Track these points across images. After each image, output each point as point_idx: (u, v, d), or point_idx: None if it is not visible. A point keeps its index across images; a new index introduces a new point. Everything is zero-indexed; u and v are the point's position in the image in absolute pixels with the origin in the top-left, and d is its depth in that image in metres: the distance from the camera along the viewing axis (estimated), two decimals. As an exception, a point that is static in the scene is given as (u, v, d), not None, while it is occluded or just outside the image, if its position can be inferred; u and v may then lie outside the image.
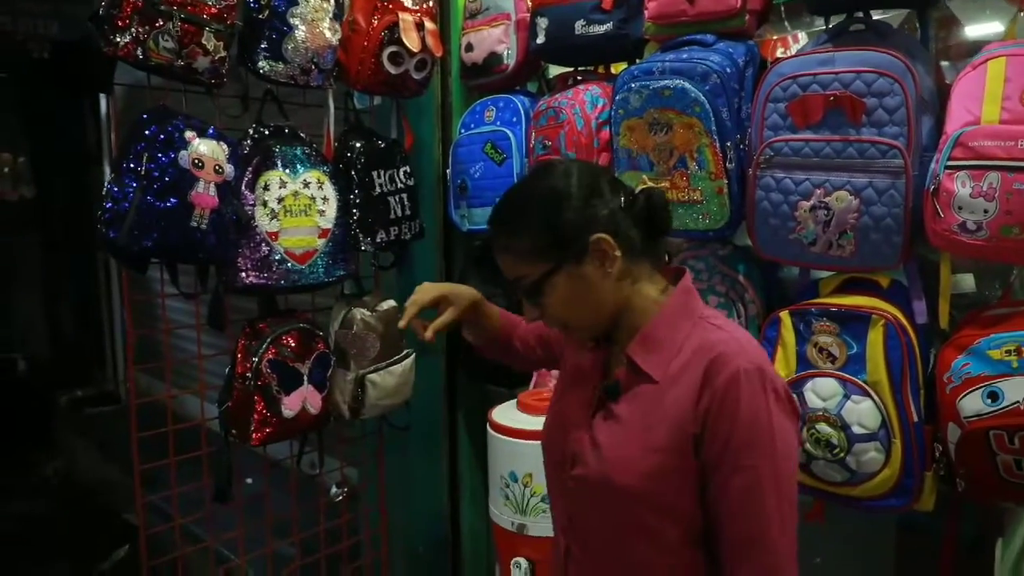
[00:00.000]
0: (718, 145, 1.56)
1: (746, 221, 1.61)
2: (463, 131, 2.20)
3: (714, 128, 1.56)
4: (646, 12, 1.75)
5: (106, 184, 1.49)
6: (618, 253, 0.94)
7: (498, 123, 2.11)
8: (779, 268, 1.76)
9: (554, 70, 2.24)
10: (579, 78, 1.98)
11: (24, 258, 4.86)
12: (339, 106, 2.03)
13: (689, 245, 1.79)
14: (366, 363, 1.93)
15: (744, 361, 0.88)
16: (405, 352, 2.02)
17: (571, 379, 1.11)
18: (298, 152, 1.80)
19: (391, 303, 2.01)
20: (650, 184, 1.18)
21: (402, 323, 1.23)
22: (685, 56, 1.61)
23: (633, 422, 0.94)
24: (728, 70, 1.57)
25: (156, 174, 1.47)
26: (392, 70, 1.95)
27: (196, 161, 1.53)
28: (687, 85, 1.56)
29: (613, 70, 2.02)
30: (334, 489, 2.25)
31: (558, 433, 1.05)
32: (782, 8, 1.71)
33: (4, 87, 4.69)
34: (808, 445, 1.40)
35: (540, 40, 1.95)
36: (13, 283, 4.95)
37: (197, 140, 1.53)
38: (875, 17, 1.50)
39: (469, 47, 2.20)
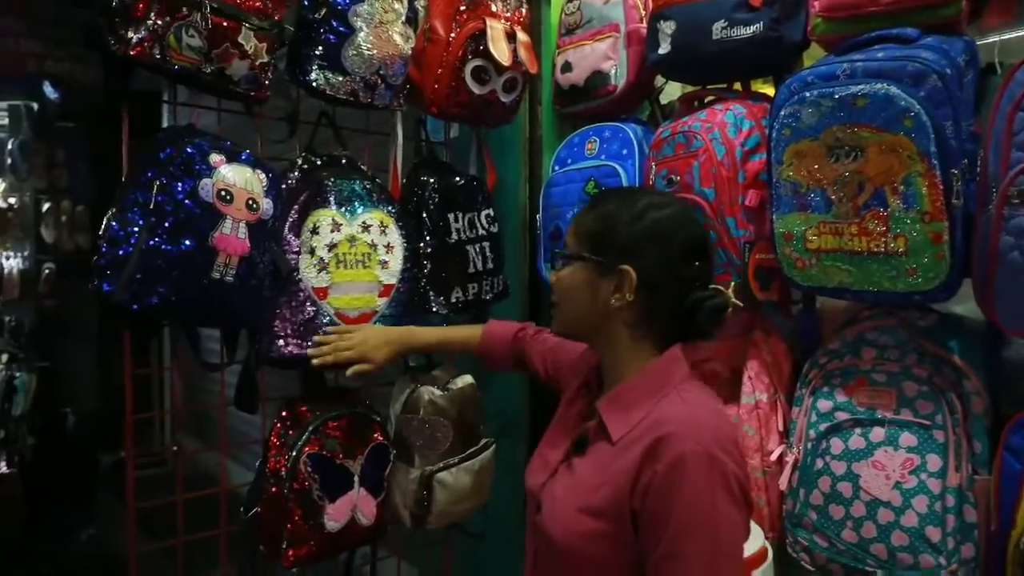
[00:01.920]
0: (939, 174, 1.11)
1: (973, 281, 1.14)
2: (557, 168, 1.80)
3: (933, 150, 1.10)
4: (813, 6, 1.33)
5: (104, 221, 1.13)
6: (629, 297, 0.96)
7: (603, 157, 1.70)
8: (1003, 346, 1.27)
9: (670, 93, 1.84)
10: (710, 98, 1.56)
11: (77, 310, 4.67)
12: (409, 135, 1.66)
13: (871, 313, 1.32)
14: (435, 457, 1.49)
15: (692, 444, 0.86)
16: (484, 442, 1.58)
17: (561, 419, 1.11)
18: (357, 187, 1.42)
19: (467, 380, 1.58)
20: (727, 293, 1.00)
21: (315, 361, 1.33)
22: (882, 55, 1.18)
23: (584, 479, 0.95)
24: (949, 71, 1.13)
25: (168, 208, 1.10)
26: (476, 89, 1.57)
27: (222, 193, 1.16)
28: (894, 90, 1.12)
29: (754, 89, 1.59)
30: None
31: (534, 474, 1.06)
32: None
33: (73, 137, 4.60)
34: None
35: (663, 50, 1.54)
36: (66, 335, 4.75)
37: (225, 167, 1.16)
38: None
39: (567, 67, 1.81)
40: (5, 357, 4.48)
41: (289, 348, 1.31)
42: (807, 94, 1.22)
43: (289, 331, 1.31)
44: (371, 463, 1.39)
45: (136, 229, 1.09)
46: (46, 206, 4.55)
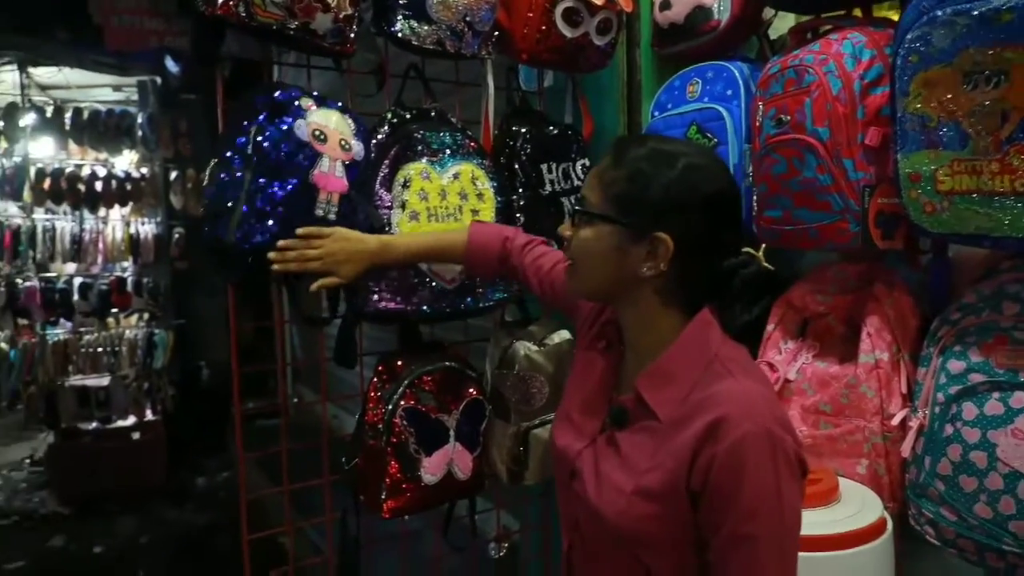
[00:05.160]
0: (1104, 97, 0.95)
1: None
2: (656, 113, 1.70)
3: (1098, 68, 0.94)
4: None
5: (207, 171, 1.16)
6: (663, 266, 0.88)
7: (705, 99, 1.59)
8: None
9: (778, 28, 1.69)
10: (826, 27, 1.41)
11: (207, 270, 4.99)
12: (500, 85, 1.62)
13: (1013, 263, 1.17)
14: (531, 413, 1.48)
15: (751, 424, 0.81)
16: (580, 399, 1.55)
17: (583, 376, 1.04)
18: (447, 139, 1.39)
19: (564, 335, 1.55)
20: (759, 258, 1.00)
21: (276, 267, 1.19)
22: (1034, -41, 1.01)
23: (632, 459, 0.90)
24: (1120, -27, 0.95)
25: (267, 146, 1.13)
26: (567, 32, 1.49)
27: (317, 133, 1.17)
28: (1049, 0, 0.96)
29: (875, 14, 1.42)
30: (492, 545, 1.84)
31: (566, 437, 1.01)
32: None
33: (194, 107, 4.84)
34: None
35: (773, -24, 1.40)
36: (198, 294, 5.09)
37: (316, 109, 1.17)
38: None
39: (665, 3, 1.69)
40: (146, 316, 4.89)
41: (383, 303, 1.32)
42: (939, 12, 1.07)
43: (384, 285, 1.32)
44: (466, 418, 1.39)
45: (240, 174, 1.13)
46: (174, 174, 4.85)
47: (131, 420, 4.56)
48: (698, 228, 0.88)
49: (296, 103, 1.18)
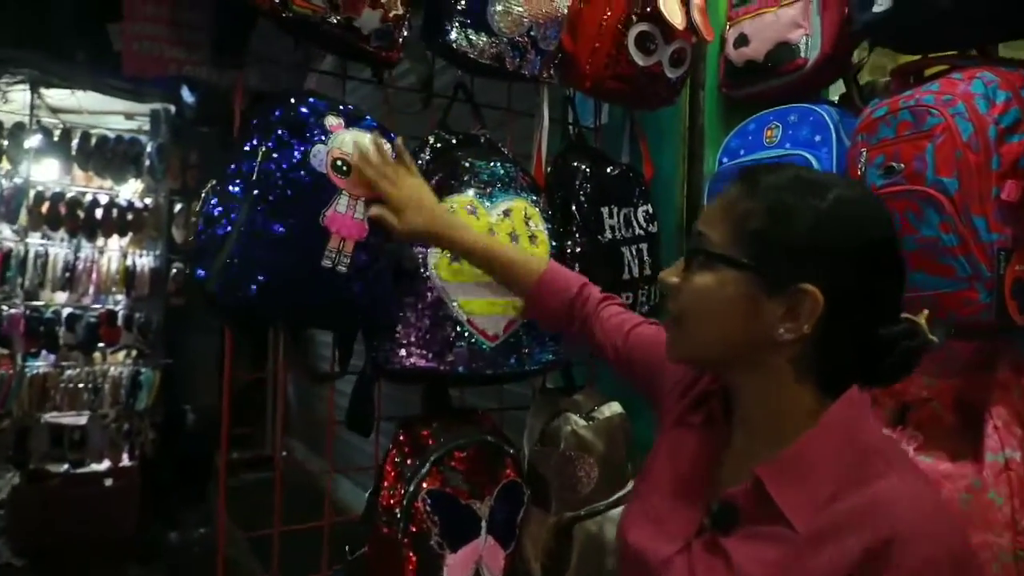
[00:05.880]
0: None
1: None
2: (726, 160, 1.50)
3: None
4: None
5: (202, 195, 0.94)
6: (807, 328, 0.68)
7: (787, 145, 1.40)
8: None
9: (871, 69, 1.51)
10: (937, 68, 1.22)
11: (202, 309, 4.77)
12: (554, 117, 1.42)
13: None
14: (576, 501, 1.23)
15: (931, 547, 0.62)
16: (633, 485, 1.30)
17: (673, 459, 0.83)
18: (498, 170, 1.18)
19: (615, 408, 1.31)
20: (922, 324, 0.71)
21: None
22: None
23: None
24: None
25: (274, 179, 0.91)
26: (639, 60, 1.31)
27: (338, 163, 0.95)
28: None
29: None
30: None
31: (646, 534, 0.79)
32: None
33: (207, 139, 4.70)
34: None
35: (880, 7, 1.22)
36: (190, 334, 4.85)
37: (344, 132, 0.96)
38: None
39: (741, 40, 1.52)
40: (134, 353, 4.63)
41: (412, 359, 1.08)
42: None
43: (413, 338, 1.09)
44: (502, 505, 1.14)
45: (236, 204, 0.90)
46: (178, 207, 4.67)
47: (105, 464, 4.27)
48: (851, 280, 0.69)
49: (319, 122, 0.96)
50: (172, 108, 4.61)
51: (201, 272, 0.89)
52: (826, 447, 0.70)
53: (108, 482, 4.19)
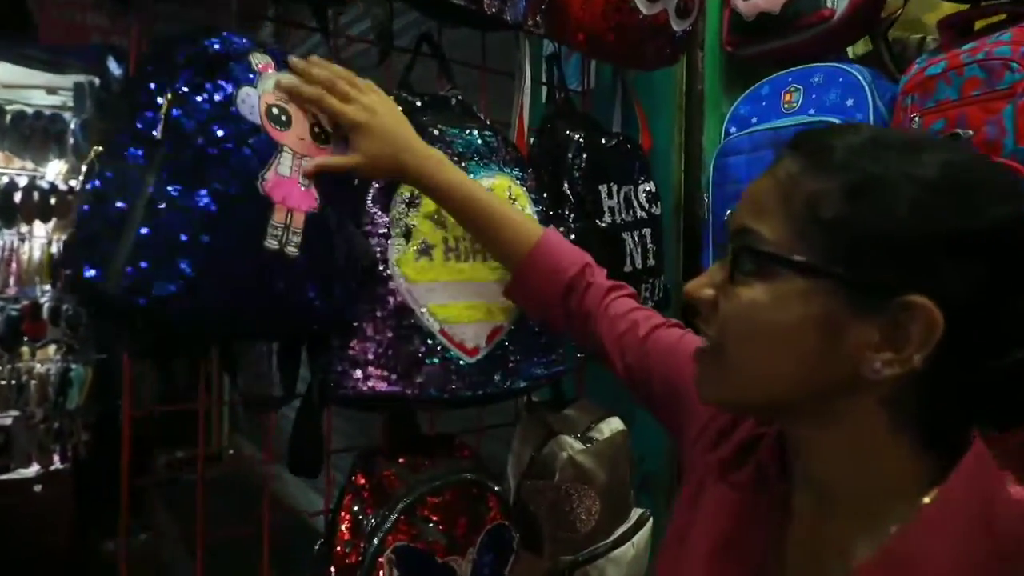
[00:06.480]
0: None
1: None
2: (734, 130, 1.30)
3: None
4: None
5: (84, 167, 0.68)
6: (917, 361, 0.46)
7: (811, 111, 1.19)
8: None
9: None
10: (998, 17, 1.03)
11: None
12: (535, 78, 1.18)
13: None
14: (575, 542, 1.01)
15: None
16: (639, 516, 1.09)
17: (714, 518, 0.61)
18: (476, 140, 0.94)
19: (615, 425, 1.10)
20: None
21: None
22: None
23: None
24: None
25: (189, 127, 0.65)
26: (643, 7, 1.08)
27: (274, 111, 0.71)
28: None
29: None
30: None
31: None
32: None
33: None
34: None
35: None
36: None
37: (276, 73, 0.71)
38: None
39: (752, -11, 1.30)
40: (63, 348, 4.27)
41: (371, 382, 0.84)
42: None
43: (371, 356, 0.85)
44: (487, 557, 0.92)
45: (135, 173, 0.64)
46: (108, 188, 4.32)
47: (34, 469, 3.95)
48: (979, 283, 0.45)
49: (243, 61, 0.71)
50: (97, 81, 4.24)
51: (91, 270, 0.62)
52: (956, 531, 0.48)
53: (37, 488, 3.89)
